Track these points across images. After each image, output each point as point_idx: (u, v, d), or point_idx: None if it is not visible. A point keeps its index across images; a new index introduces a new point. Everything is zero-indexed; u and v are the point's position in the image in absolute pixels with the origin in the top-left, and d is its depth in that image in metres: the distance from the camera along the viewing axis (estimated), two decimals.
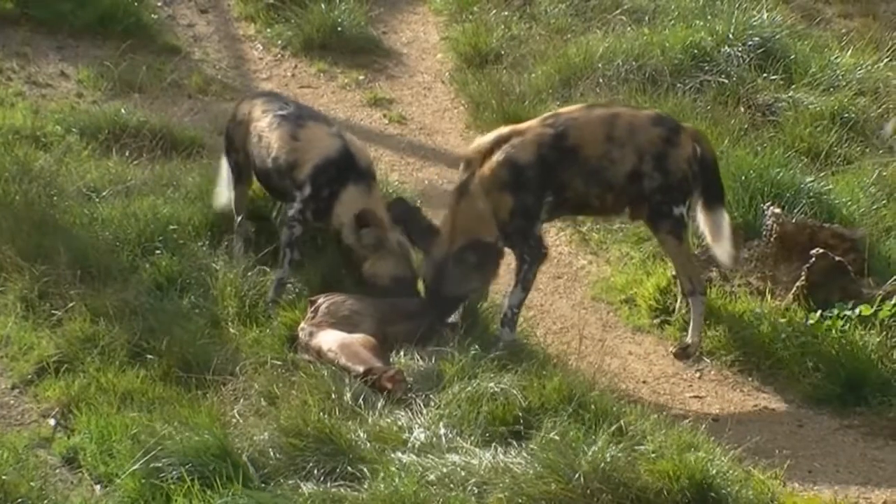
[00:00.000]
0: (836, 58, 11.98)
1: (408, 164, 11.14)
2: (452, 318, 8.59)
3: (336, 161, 8.88)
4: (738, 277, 9.40)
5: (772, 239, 9.40)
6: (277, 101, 9.38)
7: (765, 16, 12.15)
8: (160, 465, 7.21)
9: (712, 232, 8.90)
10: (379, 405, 7.64)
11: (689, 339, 8.94)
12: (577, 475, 6.99)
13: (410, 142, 11.53)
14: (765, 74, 11.61)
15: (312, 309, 8.46)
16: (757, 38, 11.84)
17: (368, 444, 7.33)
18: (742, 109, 11.24)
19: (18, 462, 7.47)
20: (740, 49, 11.74)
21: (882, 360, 8.65)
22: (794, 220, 9.50)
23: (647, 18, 12.54)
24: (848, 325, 8.80)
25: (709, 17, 12.18)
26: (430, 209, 9.67)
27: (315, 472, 7.22)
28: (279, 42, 12.68)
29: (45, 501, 7.24)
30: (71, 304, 8.56)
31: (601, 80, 11.56)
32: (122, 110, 10.96)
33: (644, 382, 8.78)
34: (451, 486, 7.06)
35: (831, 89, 11.55)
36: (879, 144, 10.91)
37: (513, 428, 7.46)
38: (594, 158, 8.67)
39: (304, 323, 8.40)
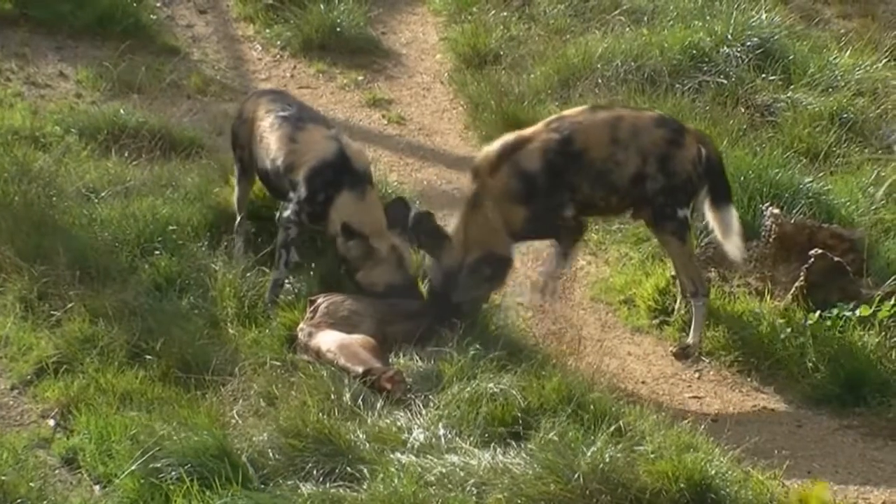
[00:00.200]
0: (834, 58, 11.98)
1: (406, 165, 11.14)
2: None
3: (331, 164, 8.87)
4: (737, 278, 9.40)
5: (771, 239, 9.41)
6: (281, 101, 9.37)
7: (763, 16, 12.15)
8: (159, 465, 7.21)
9: (721, 229, 8.90)
10: (378, 406, 7.64)
11: (689, 340, 8.95)
12: (576, 476, 6.99)
13: (409, 142, 11.53)
14: (763, 75, 11.61)
15: (312, 309, 8.46)
16: (756, 39, 11.85)
17: (368, 445, 7.33)
18: (741, 110, 11.24)
19: (18, 462, 7.47)
20: (739, 49, 11.74)
21: (881, 360, 8.65)
22: (792, 221, 9.50)
23: (645, 19, 12.54)
24: (847, 325, 8.80)
25: (707, 18, 12.18)
26: (430, 210, 9.69)
27: (314, 472, 7.22)
28: (278, 43, 12.68)
29: (45, 502, 7.24)
30: (70, 305, 8.56)
31: (600, 81, 11.56)
32: (121, 111, 10.96)
33: (643, 383, 8.78)
34: (451, 486, 7.06)
35: (830, 90, 11.56)
36: (886, 150, 10.89)
37: (512, 428, 7.46)
38: (599, 161, 8.69)
39: (304, 323, 8.40)
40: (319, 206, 8.87)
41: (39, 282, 8.71)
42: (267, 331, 8.55)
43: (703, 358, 8.98)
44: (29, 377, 8.29)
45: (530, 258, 9.59)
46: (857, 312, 8.82)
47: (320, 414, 7.48)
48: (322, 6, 12.73)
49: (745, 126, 11.02)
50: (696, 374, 8.90)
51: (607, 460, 7.06)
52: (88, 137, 10.63)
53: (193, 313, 8.66)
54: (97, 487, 7.46)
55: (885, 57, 12.02)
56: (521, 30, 12.67)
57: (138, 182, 9.95)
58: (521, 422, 7.48)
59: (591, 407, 7.57)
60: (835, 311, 8.85)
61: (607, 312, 9.45)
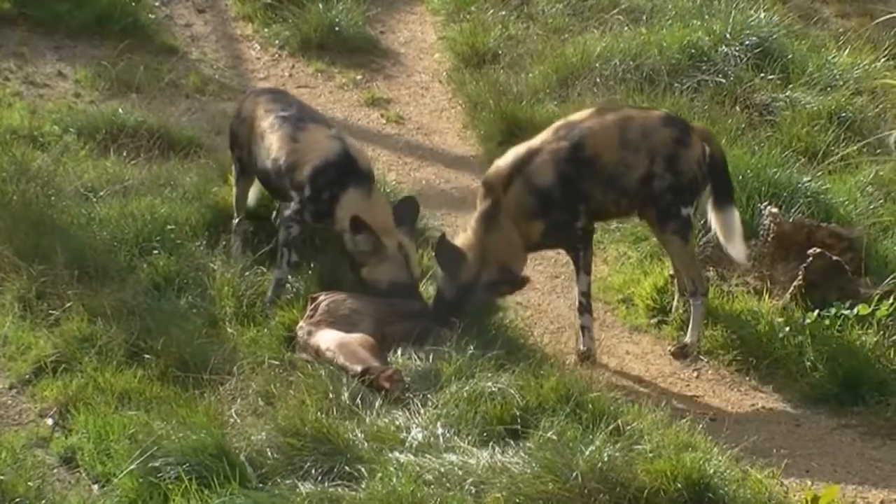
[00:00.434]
0: (833, 57, 11.98)
1: (405, 164, 11.14)
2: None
3: (336, 163, 8.87)
4: (735, 277, 9.40)
5: (769, 238, 9.41)
6: (281, 101, 9.36)
7: (762, 15, 12.15)
8: (158, 464, 7.21)
9: (724, 230, 8.90)
10: (377, 405, 7.64)
11: (687, 339, 8.95)
12: (574, 475, 6.99)
13: (408, 141, 11.53)
14: (762, 74, 11.61)
15: (312, 307, 8.46)
16: (754, 38, 11.85)
17: (366, 444, 7.33)
18: (739, 109, 11.24)
19: (16, 462, 7.47)
20: (737, 49, 11.74)
21: (879, 359, 8.65)
22: (791, 220, 9.51)
23: (644, 18, 12.54)
24: (845, 324, 8.80)
25: (706, 17, 12.18)
26: (428, 209, 9.71)
27: (313, 471, 7.22)
28: (277, 42, 12.68)
29: (43, 501, 7.24)
30: (68, 304, 8.56)
31: (598, 80, 11.56)
32: (120, 110, 10.96)
33: (641, 382, 8.78)
34: (449, 485, 7.06)
35: (828, 89, 11.55)
36: (885, 151, 10.89)
37: (510, 427, 7.46)
38: (611, 165, 8.68)
39: (303, 321, 8.40)
40: (324, 204, 8.86)
41: (38, 281, 8.71)
42: (265, 330, 8.55)
43: (702, 357, 8.98)
44: (27, 376, 8.29)
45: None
46: (856, 311, 8.82)
47: (319, 413, 7.48)
48: (320, 5, 12.73)
49: (743, 125, 11.02)
50: (695, 374, 8.90)
51: (606, 459, 7.07)
52: (87, 137, 10.63)
53: (192, 312, 8.66)
54: (96, 486, 7.45)
55: (884, 56, 12.02)
56: (519, 29, 12.67)
57: (137, 181, 9.95)
58: (519, 421, 7.48)
59: (590, 406, 7.57)
60: (833, 311, 8.85)
61: (606, 311, 9.45)
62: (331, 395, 7.67)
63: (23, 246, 8.94)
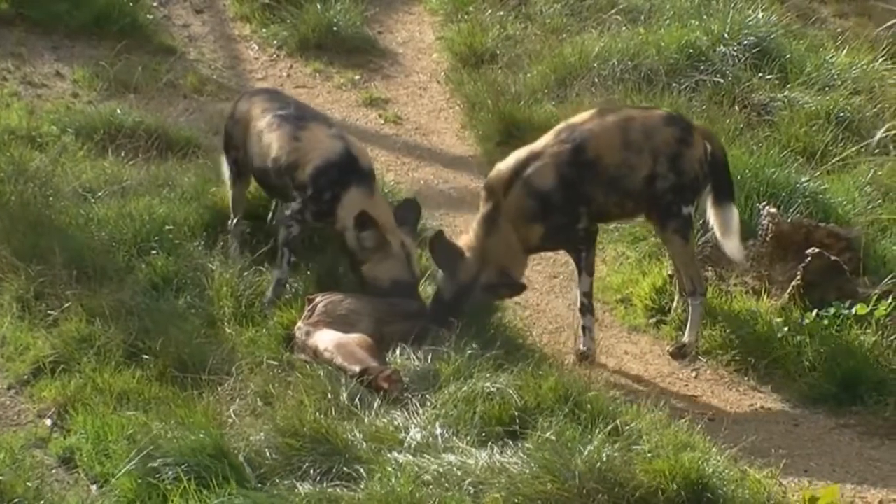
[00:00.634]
0: (831, 57, 11.98)
1: (403, 164, 11.14)
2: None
3: (338, 163, 8.86)
4: (733, 277, 9.40)
5: (767, 238, 9.41)
6: (277, 101, 9.35)
7: (760, 15, 12.15)
8: (156, 465, 7.21)
9: (722, 228, 8.90)
10: (375, 405, 7.64)
11: (685, 339, 8.95)
12: (573, 475, 6.99)
13: (406, 142, 11.54)
14: (760, 74, 11.61)
15: (310, 308, 8.46)
16: (752, 38, 11.85)
17: (365, 444, 7.33)
18: (737, 109, 11.25)
19: (15, 462, 7.47)
20: (736, 48, 11.74)
21: (878, 359, 8.65)
22: (789, 220, 9.51)
23: (642, 18, 12.55)
24: (844, 324, 8.81)
25: (704, 17, 12.18)
26: (427, 209, 9.70)
27: (311, 472, 7.21)
28: (275, 42, 12.68)
29: (42, 501, 7.24)
30: (67, 305, 8.56)
31: (597, 80, 11.56)
32: (118, 110, 10.95)
33: (640, 382, 8.78)
34: (448, 485, 7.06)
35: (826, 89, 11.56)
36: (883, 150, 10.90)
37: (509, 428, 7.46)
38: (613, 167, 8.68)
39: (301, 322, 8.40)
40: (326, 204, 8.86)
41: (36, 281, 8.70)
42: (264, 330, 8.54)
43: (700, 357, 8.98)
44: (26, 377, 8.29)
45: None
46: (854, 311, 8.82)
47: (317, 413, 7.48)
48: (318, 6, 12.74)
49: (741, 125, 11.02)
50: (694, 374, 8.90)
51: (604, 459, 7.07)
52: (85, 137, 10.62)
53: (190, 313, 8.66)
54: (94, 487, 7.45)
55: (882, 56, 12.02)
56: (517, 29, 12.67)
57: (135, 182, 9.94)
58: (517, 421, 7.48)
59: (588, 406, 7.57)
60: (832, 310, 8.85)
61: (604, 312, 9.45)
62: (329, 396, 7.67)
63: (21, 246, 8.94)
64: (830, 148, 10.83)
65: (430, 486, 7.05)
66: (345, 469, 7.20)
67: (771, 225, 9.40)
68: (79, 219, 9.36)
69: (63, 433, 7.86)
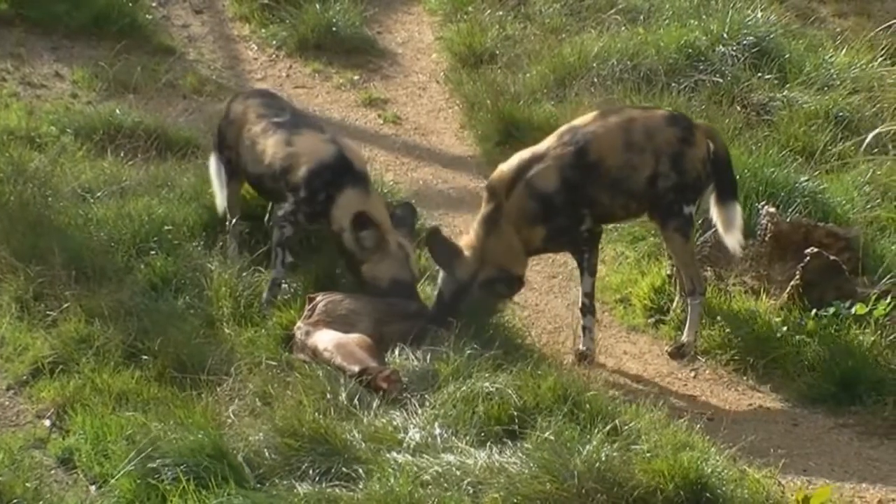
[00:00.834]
0: (830, 57, 11.98)
1: (402, 165, 11.14)
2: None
3: (331, 165, 8.87)
4: (732, 276, 9.40)
5: (766, 238, 9.41)
6: (273, 107, 9.36)
7: (759, 15, 12.15)
8: (155, 465, 7.21)
9: (724, 223, 8.91)
10: (374, 405, 7.64)
11: (684, 339, 8.95)
12: (572, 475, 6.99)
13: (405, 142, 11.53)
14: (759, 74, 11.61)
15: (310, 307, 8.46)
16: (751, 38, 11.85)
17: (364, 445, 7.33)
18: (737, 109, 11.25)
19: (14, 463, 7.47)
20: (735, 48, 11.75)
21: (877, 358, 8.65)
22: (788, 220, 9.52)
23: (641, 18, 12.56)
24: (843, 324, 8.81)
25: (703, 17, 12.19)
26: (426, 209, 9.71)
27: (310, 472, 7.21)
28: (274, 42, 12.68)
29: (41, 502, 7.24)
30: (66, 305, 8.56)
31: (596, 80, 11.56)
32: (117, 111, 10.95)
33: (639, 382, 8.78)
34: (447, 485, 7.06)
35: (826, 88, 11.56)
36: (882, 150, 10.90)
37: (508, 427, 7.46)
38: (616, 169, 8.69)
39: (301, 322, 8.40)
40: (320, 205, 8.87)
41: (35, 282, 8.70)
42: (263, 330, 8.55)
43: (699, 357, 8.98)
44: (25, 377, 8.29)
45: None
46: (853, 311, 8.83)
47: (316, 413, 7.48)
48: (317, 6, 12.73)
49: (740, 125, 11.03)
50: (692, 373, 8.90)
51: (603, 459, 7.07)
52: (84, 137, 10.63)
53: (189, 313, 8.66)
54: (93, 487, 7.45)
55: (881, 55, 12.02)
56: (516, 29, 12.67)
57: (134, 182, 9.94)
58: (517, 421, 7.48)
59: (587, 406, 7.57)
60: (831, 310, 8.86)
61: (603, 311, 9.45)
62: (328, 396, 7.67)
63: (20, 247, 8.94)
64: (829, 148, 10.83)
65: (429, 486, 7.05)
66: (344, 469, 7.20)
67: (770, 224, 9.40)
68: (78, 219, 9.36)
69: (62, 434, 7.86)
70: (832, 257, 9.11)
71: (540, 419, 7.43)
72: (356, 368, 7.85)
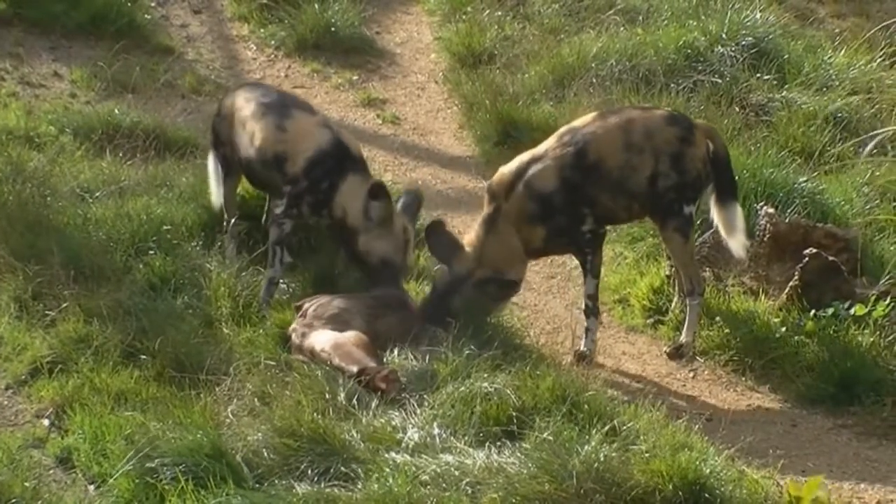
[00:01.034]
0: (829, 58, 11.99)
1: (401, 165, 11.14)
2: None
3: (331, 152, 8.86)
4: (731, 277, 9.40)
5: (765, 239, 9.41)
6: (259, 89, 9.40)
7: (758, 16, 12.15)
8: (154, 465, 7.21)
9: (725, 225, 8.92)
10: (373, 405, 7.64)
11: (682, 339, 8.95)
12: (570, 475, 6.98)
13: (404, 142, 11.54)
14: (758, 74, 11.61)
15: (300, 314, 8.45)
16: (750, 38, 11.85)
17: (362, 445, 7.32)
18: (735, 109, 11.25)
19: (12, 462, 7.47)
20: (733, 49, 11.75)
21: (875, 359, 8.66)
22: (787, 220, 9.52)
23: (640, 18, 12.56)
24: (841, 324, 8.81)
25: (702, 17, 12.19)
26: (425, 209, 9.69)
27: (309, 472, 7.21)
28: (272, 42, 12.68)
29: (39, 502, 7.23)
30: (64, 305, 8.55)
31: (595, 80, 11.57)
32: (116, 111, 10.95)
33: (638, 382, 8.78)
34: (445, 486, 7.06)
35: (824, 89, 11.56)
36: (880, 151, 10.89)
37: (506, 428, 7.45)
38: (616, 169, 8.69)
39: (295, 324, 8.39)
40: (323, 194, 8.86)
41: (34, 281, 8.70)
42: (261, 330, 8.54)
43: (698, 357, 8.98)
44: (23, 377, 8.29)
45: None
46: (852, 312, 8.83)
47: (315, 413, 7.47)
48: (316, 6, 12.73)
49: (739, 125, 11.03)
50: (691, 374, 8.90)
51: (602, 459, 7.06)
52: (83, 137, 10.62)
53: (188, 313, 8.65)
54: (92, 487, 7.45)
55: (880, 56, 12.02)
56: (515, 29, 12.68)
57: (133, 182, 9.94)
58: (515, 421, 7.47)
59: (586, 406, 7.57)
60: (829, 311, 8.86)
61: (602, 312, 9.43)
62: (327, 396, 7.67)
63: (18, 246, 8.93)
64: (828, 148, 10.84)
65: (428, 487, 7.04)
66: (342, 469, 7.19)
67: (769, 225, 9.40)
68: (76, 219, 9.35)
69: (61, 433, 7.86)
70: (831, 258, 9.11)
71: (538, 419, 7.42)
72: (355, 369, 7.84)
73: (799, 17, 13.03)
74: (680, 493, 7.07)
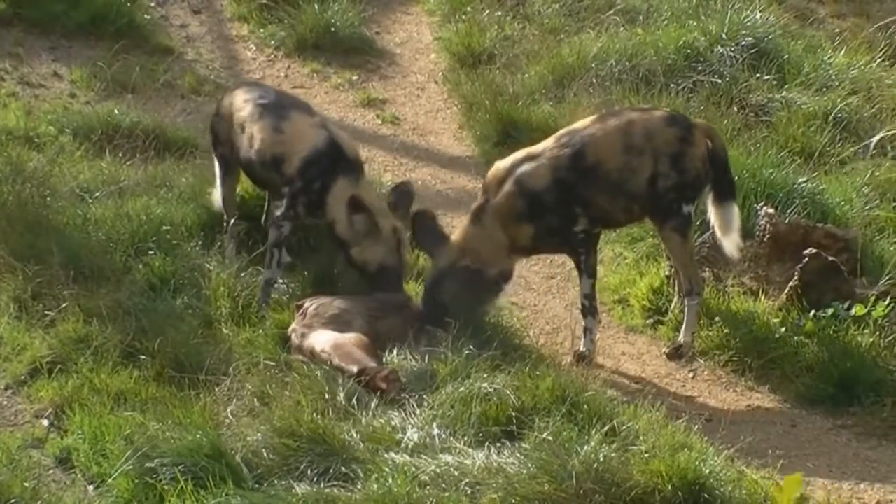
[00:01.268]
0: (829, 58, 11.98)
1: (401, 165, 11.14)
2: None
3: (325, 153, 8.87)
4: (731, 277, 9.40)
5: (765, 239, 9.41)
6: (257, 90, 9.40)
7: (758, 16, 12.15)
8: (153, 465, 7.21)
9: (721, 224, 8.92)
10: (372, 405, 7.64)
11: (681, 339, 8.95)
12: (570, 475, 6.98)
13: (403, 142, 11.53)
14: (758, 74, 11.61)
15: (300, 313, 8.45)
16: (750, 38, 11.85)
17: (362, 445, 7.32)
18: (735, 109, 11.25)
19: (12, 462, 7.47)
20: (733, 49, 11.75)
21: (875, 360, 8.65)
22: (787, 220, 9.52)
23: (640, 18, 12.56)
24: (841, 325, 8.81)
25: (702, 17, 12.18)
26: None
27: (308, 472, 7.21)
28: (272, 42, 12.68)
29: (39, 502, 7.23)
30: (64, 305, 8.55)
31: (594, 81, 11.56)
32: (116, 111, 10.95)
33: (637, 382, 8.78)
34: (445, 486, 7.06)
35: (824, 89, 11.56)
36: (880, 151, 10.89)
37: (506, 428, 7.45)
38: (615, 172, 8.69)
39: (295, 324, 8.39)
40: (316, 194, 8.86)
41: (33, 282, 8.70)
42: (261, 331, 8.54)
43: (698, 357, 8.98)
44: (23, 377, 8.29)
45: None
46: (852, 312, 8.82)
47: (314, 414, 7.47)
48: (316, 6, 12.73)
49: (739, 126, 11.03)
50: (691, 374, 8.90)
51: (601, 460, 7.06)
52: (82, 137, 10.63)
53: (187, 313, 8.65)
54: (91, 487, 7.45)
55: (880, 56, 12.02)
56: (515, 29, 12.67)
57: (132, 182, 9.94)
58: (515, 421, 7.47)
59: (585, 407, 7.57)
60: (829, 311, 8.85)
61: (601, 312, 9.42)
62: (326, 396, 7.67)
63: (18, 246, 8.94)
64: (828, 149, 10.84)
65: (427, 487, 7.04)
66: (342, 469, 7.19)
67: (768, 225, 9.40)
68: (76, 219, 9.35)
69: (60, 433, 7.86)
70: (831, 258, 9.10)
71: (538, 420, 7.42)
72: (355, 369, 7.84)
73: (799, 17, 13.02)
74: (679, 493, 7.07)
